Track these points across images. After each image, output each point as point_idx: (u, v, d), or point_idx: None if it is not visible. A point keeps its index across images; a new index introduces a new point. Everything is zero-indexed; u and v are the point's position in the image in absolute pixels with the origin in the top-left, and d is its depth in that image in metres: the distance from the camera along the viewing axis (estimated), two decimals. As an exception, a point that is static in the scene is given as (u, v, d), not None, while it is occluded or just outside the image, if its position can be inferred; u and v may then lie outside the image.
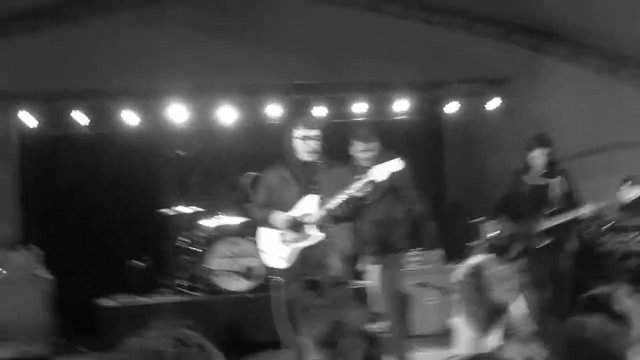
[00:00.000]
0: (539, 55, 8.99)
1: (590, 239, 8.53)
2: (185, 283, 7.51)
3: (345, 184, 4.84)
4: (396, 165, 4.68)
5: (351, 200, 4.74)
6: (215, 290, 7.33)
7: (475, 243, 7.90)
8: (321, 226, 4.76)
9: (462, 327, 2.43)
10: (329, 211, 4.70)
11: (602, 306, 2.52)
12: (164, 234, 8.14)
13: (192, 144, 8.45)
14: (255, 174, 8.38)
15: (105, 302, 7.43)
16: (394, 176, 4.81)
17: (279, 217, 4.82)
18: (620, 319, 2.65)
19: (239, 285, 7.35)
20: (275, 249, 4.91)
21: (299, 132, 4.87)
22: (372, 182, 4.63)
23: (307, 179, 4.86)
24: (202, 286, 7.40)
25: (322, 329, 2.29)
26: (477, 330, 2.38)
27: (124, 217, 8.46)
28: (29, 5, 8.12)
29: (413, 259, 7.85)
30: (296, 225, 4.81)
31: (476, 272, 2.41)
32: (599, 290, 2.41)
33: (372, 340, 2.19)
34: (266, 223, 4.94)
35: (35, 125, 8.66)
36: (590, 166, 9.08)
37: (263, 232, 5.04)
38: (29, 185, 8.75)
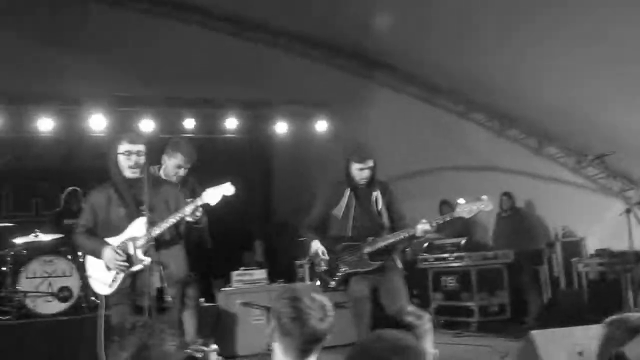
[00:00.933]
0: (363, 80, 9.37)
1: (411, 256, 9.03)
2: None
3: (174, 202, 4.72)
4: (228, 189, 4.63)
5: (181, 223, 4.61)
6: (26, 313, 6.80)
7: (302, 262, 8.03)
8: (148, 250, 4.58)
9: (279, 354, 2.42)
10: (158, 234, 4.53)
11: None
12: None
13: (4, 155, 7.87)
14: (73, 188, 7.98)
15: None
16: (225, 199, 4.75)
17: (106, 252, 4.56)
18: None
19: (53, 307, 6.88)
20: (100, 274, 4.66)
21: (122, 147, 4.65)
22: (205, 205, 4.55)
23: (133, 198, 4.65)
24: (10, 309, 6.83)
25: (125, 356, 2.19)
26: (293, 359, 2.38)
27: None
28: None
29: (239, 277, 7.82)
30: (123, 251, 4.59)
31: (293, 300, 2.41)
32: None
33: None
34: (94, 254, 4.66)
35: None
36: (408, 188, 9.63)
37: (90, 258, 4.77)
38: None
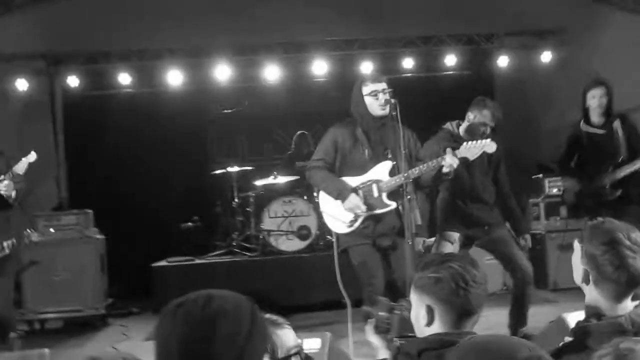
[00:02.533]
0: (592, 4, 8.63)
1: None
2: (239, 243, 7.42)
3: (414, 148, 4.67)
4: (491, 146, 4.46)
5: (433, 171, 4.53)
6: (270, 251, 7.23)
7: (537, 200, 7.70)
8: (392, 194, 4.56)
9: (594, 296, 2.27)
10: (405, 180, 4.46)
11: None
12: (216, 195, 8.06)
13: (237, 102, 8.31)
14: (302, 132, 8.26)
15: (158, 263, 7.38)
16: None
17: (350, 198, 4.58)
18: None
19: (293, 244, 7.24)
20: (339, 213, 4.70)
21: (367, 89, 4.64)
22: (463, 159, 4.44)
23: (379, 139, 4.64)
24: (255, 246, 7.32)
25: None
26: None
27: (174, 177, 8.41)
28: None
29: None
30: (367, 193, 4.60)
31: (612, 244, 2.22)
32: None
33: None
34: (334, 195, 4.63)
35: (79, 86, 8.61)
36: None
37: (324, 195, 4.83)
38: (74, 147, 8.74)
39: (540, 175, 7.80)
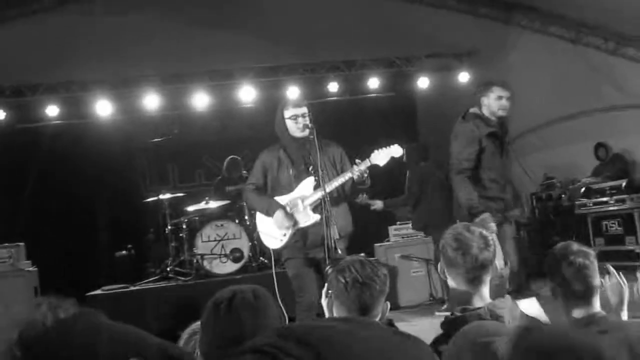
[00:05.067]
0: (503, 26, 9.14)
1: (568, 202, 8.86)
2: (173, 269, 7.54)
3: (339, 162, 4.96)
4: (397, 151, 4.81)
5: (347, 183, 4.85)
6: (204, 274, 7.37)
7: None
8: (317, 207, 4.85)
9: (452, 284, 2.65)
10: (327, 193, 4.78)
11: None
12: (149, 222, 8.16)
13: (167, 132, 8.46)
14: (233, 157, 8.46)
15: (92, 292, 7.41)
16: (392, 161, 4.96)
17: (277, 213, 4.88)
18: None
19: (227, 267, 7.41)
20: (271, 230, 5.00)
21: (287, 112, 4.95)
22: (373, 166, 4.75)
23: (302, 158, 4.94)
24: (190, 271, 7.45)
25: None
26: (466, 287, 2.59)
27: (105, 207, 8.48)
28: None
29: (396, 232, 8.00)
30: (293, 208, 4.90)
31: (455, 233, 2.62)
32: None
33: None
34: (264, 212, 5.00)
35: (5, 119, 8.56)
36: (561, 133, 9.37)
37: (260, 215, 5.14)
38: (3, 180, 8.68)
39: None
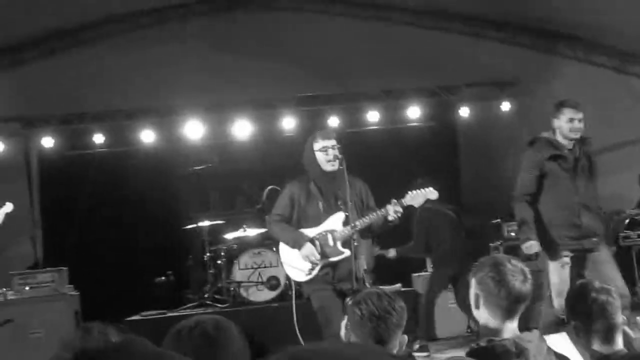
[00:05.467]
0: (547, 56, 9.07)
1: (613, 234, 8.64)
2: (211, 296, 7.60)
3: (365, 198, 4.98)
4: (432, 193, 4.82)
5: (380, 221, 4.84)
6: (241, 302, 7.42)
7: (496, 244, 7.99)
8: (346, 242, 4.86)
9: (485, 317, 2.58)
10: (357, 230, 4.80)
11: None
12: (188, 249, 8.26)
13: (209, 160, 8.58)
14: (273, 187, 8.50)
15: (132, 317, 7.52)
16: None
17: (306, 247, 4.87)
18: None
19: (263, 295, 7.44)
20: (298, 262, 5.00)
21: (317, 145, 4.98)
22: (409, 207, 4.76)
23: (331, 192, 4.96)
24: (227, 298, 7.50)
25: None
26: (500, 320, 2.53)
27: (147, 233, 8.62)
28: (42, 30, 8.24)
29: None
30: (322, 242, 4.90)
31: (495, 265, 2.54)
32: None
33: None
34: (291, 244, 4.98)
35: (54, 147, 8.83)
36: (605, 163, 9.16)
37: (284, 245, 5.14)
38: (48, 205, 8.93)
39: (499, 220, 8.11)
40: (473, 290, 2.59)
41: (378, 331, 2.46)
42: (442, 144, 9.72)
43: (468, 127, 9.66)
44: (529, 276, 2.58)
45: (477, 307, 2.58)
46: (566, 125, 5.05)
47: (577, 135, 5.08)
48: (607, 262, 5.05)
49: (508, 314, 2.53)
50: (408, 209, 4.81)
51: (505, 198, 8.94)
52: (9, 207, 5.32)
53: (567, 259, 5.01)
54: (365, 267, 4.73)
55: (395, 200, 4.74)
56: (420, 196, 4.76)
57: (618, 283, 4.76)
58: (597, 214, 5.17)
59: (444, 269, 7.02)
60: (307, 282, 5.01)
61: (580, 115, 5.08)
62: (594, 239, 5.05)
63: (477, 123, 9.56)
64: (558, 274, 4.98)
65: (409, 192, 4.77)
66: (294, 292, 5.07)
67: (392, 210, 4.69)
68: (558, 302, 4.80)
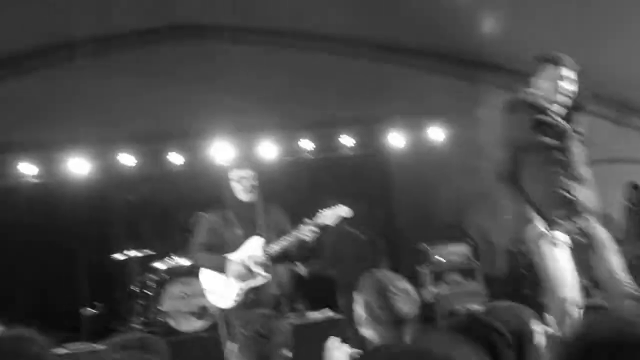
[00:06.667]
0: (473, 84, 9.31)
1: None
2: (140, 326, 7.48)
3: (282, 223, 5.03)
4: (345, 210, 4.88)
5: (297, 243, 4.90)
6: (170, 332, 7.32)
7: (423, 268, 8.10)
8: (266, 266, 4.90)
9: (371, 337, 2.63)
10: (275, 253, 4.86)
11: None
12: (116, 279, 8.13)
13: (139, 189, 8.52)
14: (201, 214, 8.47)
15: (59, 351, 7.33)
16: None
17: (232, 266, 4.91)
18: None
19: (193, 325, 7.36)
20: (222, 289, 5.03)
21: (234, 174, 5.06)
22: (323, 226, 4.81)
23: (248, 219, 5.01)
24: (156, 328, 7.39)
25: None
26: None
27: (74, 264, 8.43)
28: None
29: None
30: (244, 267, 4.94)
31: (379, 288, 2.60)
32: None
33: None
34: (218, 268, 5.04)
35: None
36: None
37: (206, 273, 5.16)
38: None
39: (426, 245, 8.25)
40: (358, 307, 2.64)
41: (263, 351, 2.49)
42: (376, 174, 9.85)
43: (400, 156, 9.80)
44: (415, 296, 2.63)
45: (361, 325, 2.63)
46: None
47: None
48: (603, 248, 4.20)
49: (394, 335, 2.56)
50: (324, 229, 4.85)
51: (438, 223, 9.18)
52: None
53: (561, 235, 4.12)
54: (277, 292, 4.77)
55: (307, 220, 4.81)
56: (333, 214, 4.81)
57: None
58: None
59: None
60: (232, 309, 5.02)
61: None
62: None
63: (411, 152, 9.70)
64: (552, 256, 4.06)
65: (320, 211, 4.84)
66: (221, 319, 5.05)
67: (306, 230, 4.75)
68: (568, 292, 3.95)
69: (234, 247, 5.00)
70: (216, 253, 5.07)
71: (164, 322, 7.33)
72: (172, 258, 7.70)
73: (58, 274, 8.39)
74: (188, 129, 9.09)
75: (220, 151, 9.08)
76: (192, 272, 7.65)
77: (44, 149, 8.77)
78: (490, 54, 8.78)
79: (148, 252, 8.05)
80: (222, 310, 5.11)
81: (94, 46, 8.59)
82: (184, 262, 7.74)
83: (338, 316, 7.75)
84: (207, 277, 5.14)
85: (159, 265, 7.76)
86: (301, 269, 7.30)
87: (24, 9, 7.29)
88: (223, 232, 5.06)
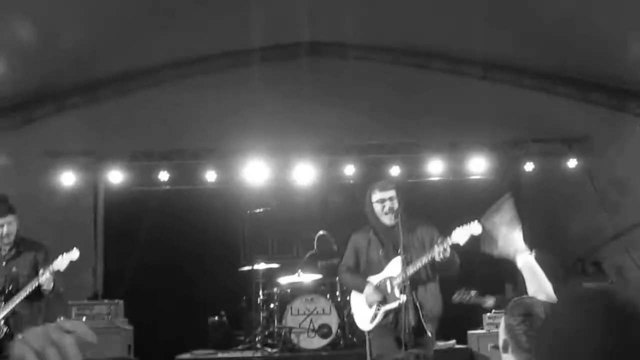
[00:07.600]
0: (616, 113, 8.83)
1: None
2: (261, 339, 7.58)
3: (429, 241, 4.90)
4: (477, 228, 4.67)
5: (432, 263, 4.77)
6: (291, 348, 7.37)
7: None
8: (404, 288, 4.80)
9: None
10: (412, 273, 4.77)
11: None
12: (243, 290, 8.29)
13: (269, 203, 8.62)
14: (323, 233, 8.44)
15: (182, 355, 7.56)
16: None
17: (366, 289, 4.93)
18: None
19: (314, 342, 7.37)
20: (363, 311, 5.06)
21: (375, 196, 5.01)
22: (454, 245, 4.65)
23: (391, 240, 4.95)
24: (277, 343, 7.46)
25: None
26: None
27: (203, 272, 8.69)
28: (117, 71, 8.56)
29: (490, 321, 7.68)
30: (382, 289, 4.91)
31: (526, 316, 2.45)
32: None
33: None
34: (357, 289, 5.11)
35: (120, 182, 9.06)
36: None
37: (354, 294, 5.21)
38: (112, 239, 9.14)
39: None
40: (502, 333, 2.50)
41: None
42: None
43: (532, 183, 9.44)
44: None
45: (506, 351, 2.48)
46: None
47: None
48: None
49: None
50: (456, 248, 4.68)
51: (571, 258, 8.76)
52: (75, 254, 5.14)
53: None
54: (413, 323, 4.64)
55: (440, 239, 4.67)
56: (465, 233, 4.63)
57: None
58: None
59: None
60: (371, 330, 5.01)
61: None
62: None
63: (542, 179, 9.34)
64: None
65: (455, 229, 4.67)
66: (368, 346, 5.08)
67: (436, 250, 4.61)
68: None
69: (378, 268, 4.99)
70: (360, 274, 5.09)
71: (285, 337, 7.37)
72: (298, 273, 7.72)
73: (188, 282, 8.66)
74: (317, 145, 9.16)
75: (348, 169, 9.10)
76: (316, 290, 7.71)
77: (179, 157, 9.10)
78: (638, 83, 8.28)
79: (274, 265, 8.13)
80: (365, 332, 5.13)
81: (229, 59, 8.89)
82: (309, 278, 7.77)
83: (459, 346, 7.57)
84: (355, 299, 5.20)
85: (284, 279, 7.81)
86: (489, 301, 7.14)
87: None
88: (367, 253, 5.07)
